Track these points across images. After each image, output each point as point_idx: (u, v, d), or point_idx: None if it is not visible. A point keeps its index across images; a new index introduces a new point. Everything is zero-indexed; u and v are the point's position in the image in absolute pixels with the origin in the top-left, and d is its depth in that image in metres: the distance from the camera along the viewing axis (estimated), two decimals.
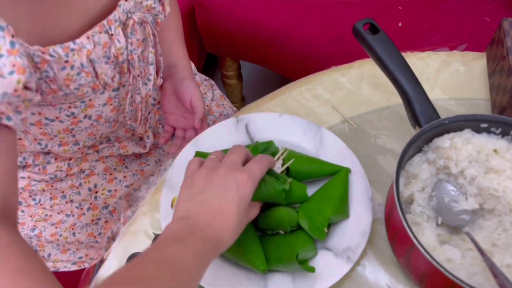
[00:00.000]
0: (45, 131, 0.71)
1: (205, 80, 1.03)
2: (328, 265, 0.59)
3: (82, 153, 0.83)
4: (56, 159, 0.82)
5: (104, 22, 0.63)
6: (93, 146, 0.83)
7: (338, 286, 0.59)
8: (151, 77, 0.75)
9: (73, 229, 0.83)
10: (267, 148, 0.67)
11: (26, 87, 0.51)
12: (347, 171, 0.65)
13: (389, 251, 0.62)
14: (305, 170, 0.65)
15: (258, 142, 0.69)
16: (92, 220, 0.84)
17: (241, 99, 1.68)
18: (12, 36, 0.49)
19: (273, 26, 1.25)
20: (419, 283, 0.57)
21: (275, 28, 1.24)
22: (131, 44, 0.68)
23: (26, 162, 0.81)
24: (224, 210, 0.51)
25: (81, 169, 0.84)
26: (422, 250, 0.50)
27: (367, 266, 0.62)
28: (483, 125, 0.61)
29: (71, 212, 0.83)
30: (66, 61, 0.59)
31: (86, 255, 0.84)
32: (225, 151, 0.58)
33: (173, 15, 0.86)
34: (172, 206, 0.64)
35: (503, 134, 0.60)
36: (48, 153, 0.81)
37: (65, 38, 0.60)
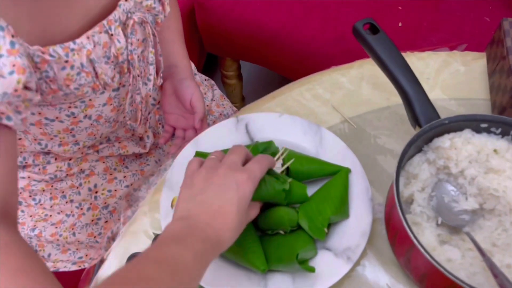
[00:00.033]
0: (45, 131, 0.71)
1: (205, 80, 1.03)
2: (328, 265, 0.59)
3: (82, 153, 0.83)
4: (56, 159, 0.82)
5: (104, 22, 0.63)
6: (93, 146, 0.83)
7: (338, 286, 0.59)
8: (151, 77, 0.75)
9: (73, 229, 0.83)
10: (267, 148, 0.67)
11: (26, 87, 0.51)
12: (347, 171, 0.65)
13: (389, 251, 0.62)
14: (305, 170, 0.65)
15: (258, 142, 0.69)
16: (92, 220, 0.84)
17: (241, 99, 1.68)
18: (12, 36, 0.49)
19: (273, 26, 1.25)
20: (419, 283, 0.57)
21: (275, 28, 1.24)
22: (131, 44, 0.68)
23: (26, 162, 0.81)
24: (224, 210, 0.51)
25: (81, 169, 0.84)
26: (422, 250, 0.50)
27: (367, 266, 0.62)
28: (483, 125, 0.61)
29: (71, 212, 0.83)
30: (66, 61, 0.59)
31: (86, 255, 0.84)
32: (225, 151, 0.58)
33: (173, 15, 0.86)
34: (172, 206, 0.64)
35: (503, 134, 0.60)
36: (48, 153, 0.81)
37: (65, 38, 0.60)
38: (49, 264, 0.83)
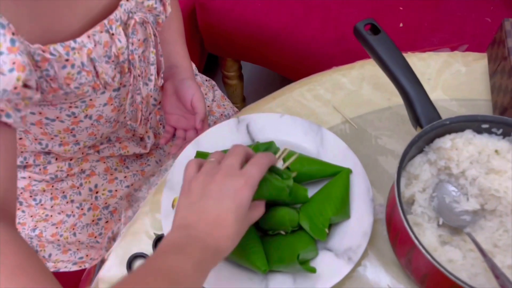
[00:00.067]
0: (45, 131, 0.71)
1: (206, 80, 1.03)
2: (329, 265, 0.59)
3: (82, 153, 0.83)
4: (56, 159, 0.82)
5: (105, 21, 0.63)
6: (93, 146, 0.83)
7: (339, 287, 0.59)
8: (152, 78, 0.75)
9: (73, 229, 0.83)
10: (268, 148, 0.67)
11: (26, 85, 0.52)
12: (348, 171, 0.65)
13: (390, 251, 0.62)
14: (306, 171, 0.65)
15: (259, 142, 0.69)
16: (93, 220, 0.84)
17: (242, 100, 1.67)
18: (13, 34, 0.49)
19: (274, 26, 1.25)
20: (420, 283, 0.57)
21: (276, 28, 1.24)
22: (132, 44, 0.68)
23: (27, 162, 0.81)
24: (222, 219, 0.50)
25: (81, 169, 0.84)
26: (423, 251, 0.50)
27: (368, 266, 0.62)
28: (484, 126, 0.61)
29: (72, 212, 0.83)
30: (67, 60, 0.59)
31: (87, 255, 0.84)
32: (226, 152, 0.58)
33: (174, 15, 0.86)
34: (173, 206, 0.64)
35: (504, 134, 0.60)
36: (48, 153, 0.81)
37: (66, 37, 0.60)
38: (49, 265, 0.83)
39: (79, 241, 0.83)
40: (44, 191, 0.83)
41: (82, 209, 0.84)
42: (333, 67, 0.83)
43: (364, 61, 0.82)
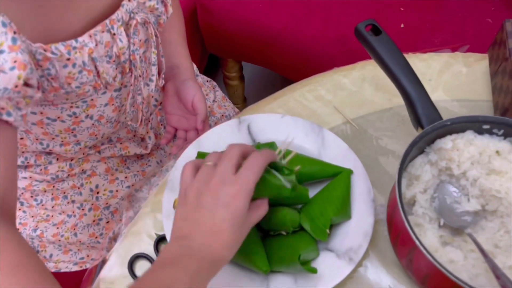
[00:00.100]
0: (46, 130, 0.71)
1: (207, 81, 1.03)
2: (330, 266, 0.59)
3: (83, 154, 0.83)
4: (57, 159, 0.82)
5: (107, 21, 0.63)
6: (94, 147, 0.83)
7: (340, 287, 0.59)
8: (153, 78, 0.75)
9: (74, 229, 0.83)
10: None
11: (27, 84, 0.52)
12: (349, 172, 0.65)
13: (391, 252, 0.62)
14: (307, 171, 0.65)
15: (260, 143, 0.69)
16: (94, 221, 0.84)
17: (243, 100, 1.68)
18: (14, 32, 0.49)
19: (275, 27, 1.25)
20: (421, 284, 0.57)
21: (277, 29, 1.25)
22: (133, 44, 0.68)
23: (28, 162, 0.81)
24: (217, 229, 0.50)
25: (82, 170, 0.84)
26: (424, 252, 0.50)
27: (369, 267, 0.62)
28: (485, 127, 0.61)
29: (73, 212, 0.83)
30: (68, 59, 0.60)
31: (88, 256, 0.84)
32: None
33: (176, 16, 0.86)
34: (174, 207, 0.64)
35: (506, 135, 0.60)
36: (49, 153, 0.81)
37: (67, 36, 0.60)
38: (51, 265, 0.83)
39: (80, 242, 0.83)
40: (45, 191, 0.83)
41: (83, 209, 0.84)
42: (334, 67, 0.83)
43: (365, 61, 0.82)
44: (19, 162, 0.80)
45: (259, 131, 0.72)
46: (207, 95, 0.99)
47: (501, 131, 0.60)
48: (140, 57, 0.70)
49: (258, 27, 1.27)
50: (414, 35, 1.16)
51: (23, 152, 0.80)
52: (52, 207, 0.83)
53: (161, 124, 0.94)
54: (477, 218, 0.59)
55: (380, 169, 0.70)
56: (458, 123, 0.60)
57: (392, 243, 0.61)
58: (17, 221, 0.82)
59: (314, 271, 0.57)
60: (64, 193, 0.83)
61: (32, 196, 0.83)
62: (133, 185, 0.86)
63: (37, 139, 0.74)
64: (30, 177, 0.82)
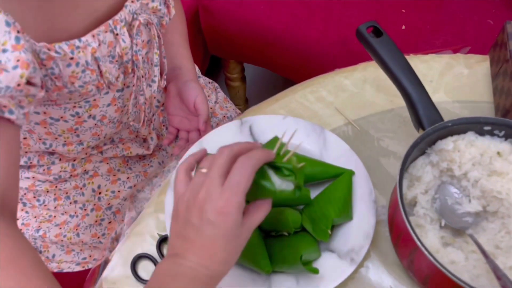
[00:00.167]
0: (49, 130, 0.72)
1: (209, 82, 1.04)
2: (332, 266, 0.59)
3: (86, 154, 0.83)
4: (60, 159, 0.82)
5: (110, 21, 0.64)
6: (97, 147, 0.83)
7: None
8: (156, 79, 0.75)
9: (77, 229, 0.83)
10: (272, 144, 0.67)
11: (29, 83, 0.52)
12: (351, 173, 0.66)
13: (393, 253, 0.62)
14: (309, 172, 0.65)
15: (262, 144, 0.69)
16: (96, 221, 0.84)
17: (244, 102, 1.68)
18: (18, 32, 0.50)
19: (276, 28, 1.25)
20: (423, 285, 0.57)
21: (279, 30, 1.25)
22: (136, 45, 0.68)
23: (31, 162, 0.81)
24: (209, 246, 0.48)
25: (85, 170, 0.84)
26: (426, 252, 0.50)
27: (371, 267, 0.62)
28: (487, 128, 0.61)
29: (75, 212, 0.84)
30: (71, 58, 0.60)
31: (90, 256, 0.84)
32: None
33: (178, 18, 0.87)
34: None
35: (507, 136, 0.61)
36: (52, 153, 0.81)
37: (71, 36, 0.61)
38: (53, 265, 0.83)
39: (82, 242, 0.83)
40: (47, 191, 0.83)
41: (85, 209, 0.84)
42: (335, 69, 0.83)
43: (367, 63, 0.82)
44: (22, 162, 0.81)
45: (261, 132, 0.72)
46: (209, 96, 0.99)
47: (502, 133, 0.60)
48: (142, 57, 0.70)
49: (260, 28, 1.27)
50: (415, 37, 1.16)
51: (26, 152, 0.80)
52: (55, 207, 0.83)
53: (163, 125, 0.94)
54: (478, 219, 0.59)
55: (382, 170, 0.70)
56: (459, 124, 0.61)
57: (393, 244, 0.61)
58: (20, 221, 0.83)
59: (315, 271, 0.57)
60: (67, 193, 0.84)
61: (34, 197, 0.83)
62: (135, 186, 0.87)
63: (40, 139, 0.75)
64: (33, 177, 0.82)
